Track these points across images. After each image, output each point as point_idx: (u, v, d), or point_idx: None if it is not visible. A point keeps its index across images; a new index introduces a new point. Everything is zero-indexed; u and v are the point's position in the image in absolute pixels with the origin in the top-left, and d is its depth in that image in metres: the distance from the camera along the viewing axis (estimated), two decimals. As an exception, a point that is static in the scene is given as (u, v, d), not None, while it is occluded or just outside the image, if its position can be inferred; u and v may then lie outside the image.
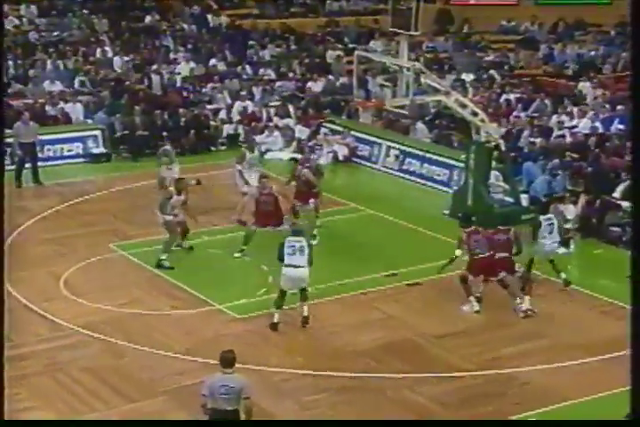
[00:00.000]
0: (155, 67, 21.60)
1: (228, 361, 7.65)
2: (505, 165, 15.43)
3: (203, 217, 14.92)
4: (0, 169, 5.73)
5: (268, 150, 19.29)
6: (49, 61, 21.18)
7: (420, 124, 19.17)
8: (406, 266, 12.91)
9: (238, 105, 20.57)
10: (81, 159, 18.43)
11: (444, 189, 16.81)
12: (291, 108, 20.72)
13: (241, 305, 11.63)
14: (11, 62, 20.65)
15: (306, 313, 11.02)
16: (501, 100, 20.34)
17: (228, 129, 19.97)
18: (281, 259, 10.86)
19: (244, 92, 21.09)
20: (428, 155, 17.55)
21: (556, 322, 11.27)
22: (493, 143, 15.18)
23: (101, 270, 12.80)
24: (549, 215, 12.28)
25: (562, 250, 13.56)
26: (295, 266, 10.82)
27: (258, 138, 19.59)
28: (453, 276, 12.44)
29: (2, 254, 5.25)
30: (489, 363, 10.24)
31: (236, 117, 20.28)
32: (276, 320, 10.97)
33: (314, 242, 12.80)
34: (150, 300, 11.87)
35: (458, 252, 11.51)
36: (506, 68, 23.39)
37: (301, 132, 19.91)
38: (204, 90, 21.21)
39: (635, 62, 5.21)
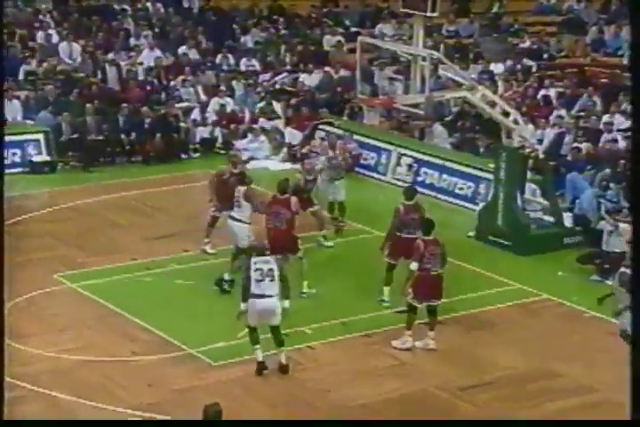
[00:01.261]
0: (111, 56, 21.75)
1: (213, 417, 7.65)
2: (544, 177, 15.53)
3: (170, 241, 15.02)
4: (0, 170, 6.21)
5: (251, 158, 19.40)
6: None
7: (438, 127, 19.31)
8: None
9: (215, 103, 20.72)
10: (19, 169, 18.47)
11: (469, 205, 16.90)
12: (279, 107, 20.87)
13: (218, 349, 11.63)
14: None
15: (284, 360, 11.01)
16: (539, 96, 20.51)
17: (202, 132, 20.10)
18: (246, 290, 10.72)
19: (221, 87, 21.24)
20: (448, 164, 17.67)
21: (608, 372, 11.29)
22: (529, 150, 15.29)
23: (45, 307, 12.81)
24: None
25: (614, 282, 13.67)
26: (261, 295, 10.74)
27: (239, 143, 19.75)
28: (484, 312, 12.50)
29: (2, 256, 5.79)
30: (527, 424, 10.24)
31: (212, 118, 20.42)
32: (260, 359, 10.96)
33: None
34: (105, 343, 11.87)
35: (414, 265, 11.53)
36: (545, 56, 23.62)
37: (292, 136, 20.05)
38: (172, 84, 21.37)
39: (635, 61, 5.74)
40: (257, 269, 10.74)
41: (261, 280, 10.71)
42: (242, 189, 13.43)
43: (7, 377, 10.59)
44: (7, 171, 18.37)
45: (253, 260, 10.86)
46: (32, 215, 16.27)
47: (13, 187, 17.80)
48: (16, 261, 14.11)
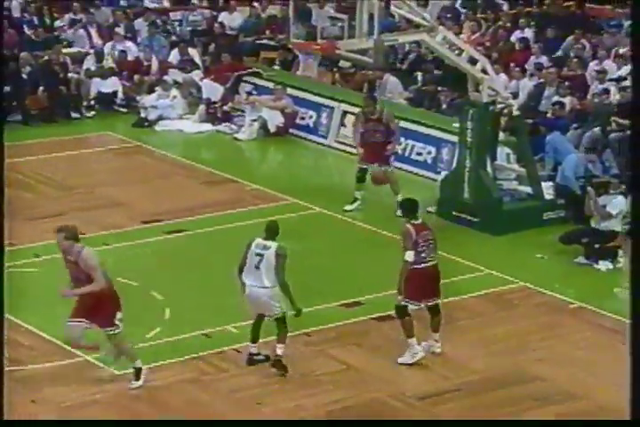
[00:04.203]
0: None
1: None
2: (519, 139, 15.70)
3: (60, 221, 14.91)
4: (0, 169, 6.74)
5: (161, 118, 19.32)
6: None
7: (390, 78, 19.39)
8: (373, 291, 13.03)
9: (112, 47, 20.53)
10: None
11: (429, 174, 17.05)
12: (195, 54, 20.76)
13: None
14: None
15: (279, 351, 11.23)
16: (513, 38, 20.68)
17: (98, 85, 19.92)
18: (241, 270, 11.09)
19: (120, 28, 21.05)
20: (403, 124, 17.74)
21: (597, 376, 11.51)
22: (501, 105, 15.42)
23: None
24: None
25: (604, 265, 13.87)
26: (251, 285, 11.05)
27: (145, 99, 19.62)
28: (446, 304, 12.62)
29: (2, 252, 6.59)
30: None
31: (109, 67, 20.23)
32: (254, 351, 11.38)
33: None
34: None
35: (409, 255, 11.45)
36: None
37: (212, 90, 19.97)
38: (57, 23, 21.12)
39: (634, 60, 6.24)
40: (256, 254, 11.03)
41: (256, 267, 11.00)
42: None
43: None
44: None
45: (257, 241, 11.11)
46: None
47: None
48: None
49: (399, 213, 13.23)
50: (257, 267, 11.03)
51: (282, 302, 11.15)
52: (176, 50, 20.71)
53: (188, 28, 21.88)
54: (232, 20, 22.01)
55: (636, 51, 6.16)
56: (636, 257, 5.98)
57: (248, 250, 11.11)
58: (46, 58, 19.65)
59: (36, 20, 21.21)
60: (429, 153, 17.38)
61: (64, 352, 11.69)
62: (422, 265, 11.42)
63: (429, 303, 11.62)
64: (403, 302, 11.47)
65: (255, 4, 22.52)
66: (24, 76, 19.28)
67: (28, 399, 10.90)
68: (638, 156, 6.12)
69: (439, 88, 18.94)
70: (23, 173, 16.91)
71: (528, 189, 15.56)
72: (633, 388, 6.32)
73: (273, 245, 11.06)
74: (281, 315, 11.18)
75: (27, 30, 20.79)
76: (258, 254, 11.05)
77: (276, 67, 20.84)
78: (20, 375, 11.34)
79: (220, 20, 21.98)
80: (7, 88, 18.98)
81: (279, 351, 11.24)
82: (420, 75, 19.70)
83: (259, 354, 11.45)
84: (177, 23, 21.94)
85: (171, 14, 22.19)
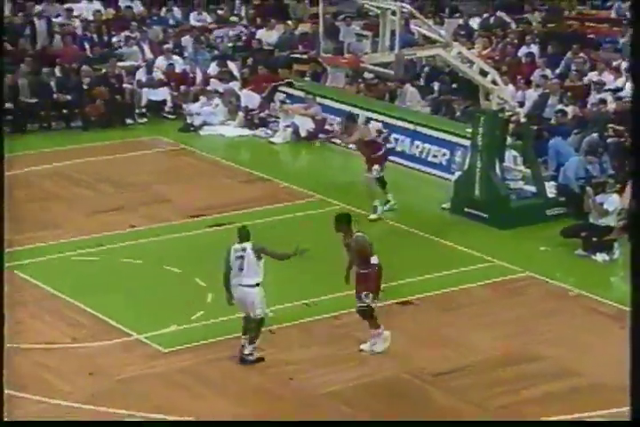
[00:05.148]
0: (40, 8, 21.43)
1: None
2: (525, 143, 15.61)
3: (115, 215, 14.97)
4: (0, 168, 6.30)
5: (205, 124, 19.31)
6: None
7: (410, 88, 19.30)
8: (394, 279, 12.95)
9: (162, 61, 20.55)
10: (-56, 136, 18.23)
11: (443, 175, 16.95)
12: (234, 67, 20.74)
13: (169, 334, 11.63)
14: None
15: (247, 351, 11.04)
16: (520, 53, 20.56)
17: (149, 94, 19.94)
18: (226, 277, 10.94)
19: (169, 45, 21.06)
20: (420, 129, 17.67)
21: (595, 355, 11.43)
22: (509, 113, 15.33)
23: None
24: None
25: (601, 256, 13.77)
26: (239, 285, 10.92)
27: (191, 107, 19.63)
28: (458, 292, 12.56)
29: (2, 248, 6.03)
30: (504, 411, 10.35)
31: (159, 78, 20.25)
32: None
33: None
34: (42, 328, 11.81)
35: (374, 258, 11.16)
36: (527, 9, 23.66)
37: (249, 98, 19.95)
38: (114, 40, 21.14)
39: (634, 58, 6.07)
40: (236, 257, 10.84)
41: (240, 269, 10.84)
42: None
43: None
44: None
45: (234, 246, 10.90)
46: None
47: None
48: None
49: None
50: (240, 269, 10.84)
51: (263, 305, 10.94)
52: (216, 62, 20.72)
53: (229, 44, 21.85)
54: (268, 36, 21.98)
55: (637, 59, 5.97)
56: (637, 251, 5.82)
57: (229, 257, 10.89)
58: (104, 71, 19.69)
59: (95, 37, 21.23)
60: (444, 155, 17.29)
61: (118, 332, 11.73)
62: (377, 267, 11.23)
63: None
64: (374, 301, 11.15)
65: (289, 22, 22.47)
66: (84, 86, 19.31)
67: (86, 373, 10.94)
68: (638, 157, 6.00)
69: (453, 98, 18.84)
70: (85, 173, 16.98)
71: (532, 189, 15.48)
72: (633, 387, 6.05)
73: (248, 245, 10.89)
74: (259, 318, 10.98)
75: (87, 47, 20.83)
76: (238, 257, 10.86)
77: (307, 78, 20.78)
78: (79, 352, 11.39)
79: (257, 36, 21.96)
80: (69, 97, 19.05)
81: (247, 351, 10.99)
82: (436, 85, 19.60)
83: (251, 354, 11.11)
84: (219, 39, 21.90)
85: (214, 32, 22.16)
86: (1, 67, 7.07)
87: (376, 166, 15.06)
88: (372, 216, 14.98)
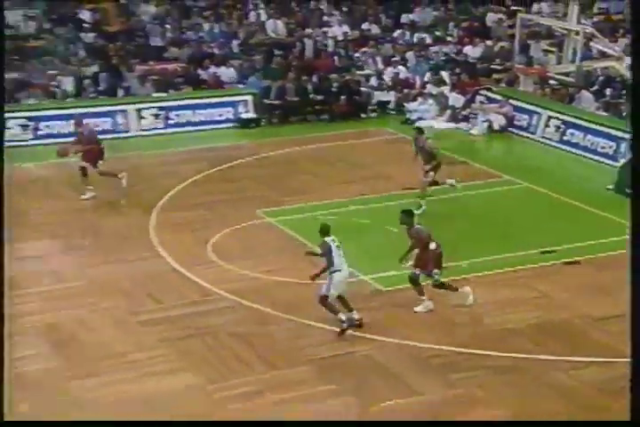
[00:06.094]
0: (308, 31, 21.78)
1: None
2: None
3: (350, 186, 15.12)
4: (0, 166, 5.69)
5: (420, 118, 19.16)
6: (205, 25, 21.80)
7: (585, 93, 18.39)
8: (564, 243, 12.50)
9: (390, 71, 20.48)
10: (230, 124, 18.92)
11: (610, 162, 16.10)
12: (445, 75, 20.41)
13: (388, 277, 11.57)
14: (168, 26, 21.47)
15: (356, 315, 10.31)
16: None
17: (378, 95, 19.95)
18: (331, 263, 10.08)
19: (396, 58, 20.95)
20: (592, 125, 16.83)
21: None
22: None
23: (249, 237, 13.06)
24: None
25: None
26: (348, 268, 10.30)
27: (410, 105, 19.51)
28: (615, 255, 11.96)
29: (1, 246, 5.36)
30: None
31: (388, 84, 20.22)
32: (356, 317, 10.26)
33: (418, 211, 12.51)
34: (297, 269, 11.91)
35: (433, 245, 10.39)
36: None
37: (456, 99, 19.60)
38: (356, 55, 21.25)
39: (634, 57, 5.47)
40: (338, 246, 10.24)
41: (343, 256, 10.26)
42: None
43: (221, 291, 11.14)
44: (221, 126, 18.99)
45: (333, 237, 10.28)
46: (239, 162, 16.71)
47: (226, 139, 18.34)
48: (227, 198, 14.62)
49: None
50: (343, 255, 10.23)
51: None
52: (431, 71, 20.47)
53: (442, 57, 21.50)
54: (473, 51, 21.46)
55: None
56: (637, 251, 5.14)
57: (332, 249, 10.06)
58: (347, 77, 19.83)
59: (342, 52, 21.39)
60: (611, 147, 16.42)
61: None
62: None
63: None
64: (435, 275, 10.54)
65: (489, 41, 21.85)
66: (333, 89, 19.54)
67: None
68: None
69: (621, 101, 17.81)
70: (328, 154, 17.15)
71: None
72: (633, 388, 5.16)
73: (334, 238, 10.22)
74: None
75: (336, 59, 21.06)
76: (338, 246, 10.21)
77: (503, 84, 20.18)
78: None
79: (464, 51, 21.50)
80: (320, 97, 19.28)
81: (356, 316, 10.24)
82: (608, 91, 18.57)
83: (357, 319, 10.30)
84: (434, 54, 21.57)
85: (431, 48, 21.87)
86: (1, 66, 6.58)
87: (431, 173, 13.89)
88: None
